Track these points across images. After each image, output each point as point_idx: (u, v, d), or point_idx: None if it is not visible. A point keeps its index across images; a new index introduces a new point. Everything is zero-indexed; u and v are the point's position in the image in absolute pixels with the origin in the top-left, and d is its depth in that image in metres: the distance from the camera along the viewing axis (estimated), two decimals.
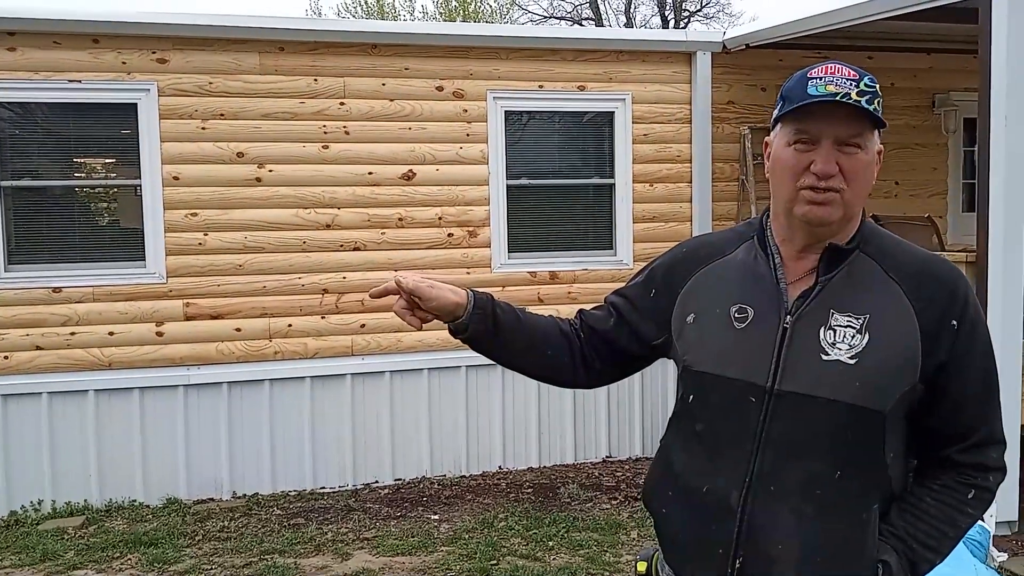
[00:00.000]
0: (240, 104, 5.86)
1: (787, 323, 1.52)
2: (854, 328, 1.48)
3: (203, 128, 5.81)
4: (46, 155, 5.82)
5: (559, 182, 6.55)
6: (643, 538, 4.88)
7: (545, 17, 23.36)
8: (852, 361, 1.47)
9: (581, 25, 22.92)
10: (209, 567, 4.64)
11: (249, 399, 5.92)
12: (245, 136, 5.87)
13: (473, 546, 4.80)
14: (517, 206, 6.38)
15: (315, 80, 5.99)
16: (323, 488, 6.04)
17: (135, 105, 5.73)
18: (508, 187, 6.33)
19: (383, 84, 6.11)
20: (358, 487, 6.05)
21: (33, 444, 5.60)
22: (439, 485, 6.02)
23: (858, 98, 1.46)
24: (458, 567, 4.54)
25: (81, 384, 5.65)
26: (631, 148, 6.47)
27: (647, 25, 23.77)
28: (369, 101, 6.08)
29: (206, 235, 5.83)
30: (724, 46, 6.61)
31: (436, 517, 5.37)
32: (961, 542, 3.79)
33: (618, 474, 6.15)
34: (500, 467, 6.36)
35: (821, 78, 1.50)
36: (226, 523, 5.32)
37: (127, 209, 5.97)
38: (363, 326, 6.10)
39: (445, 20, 21.90)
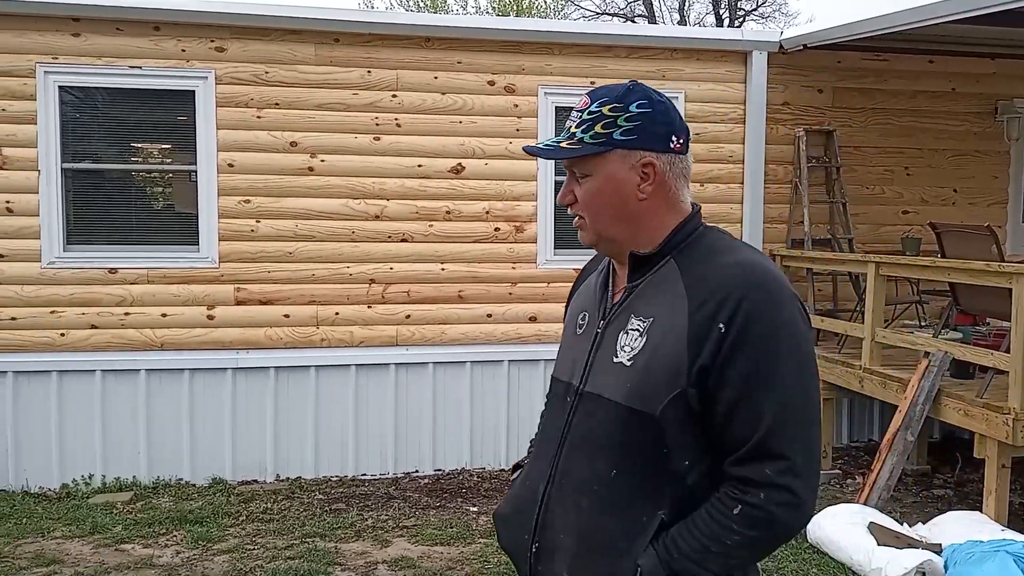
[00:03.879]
0: (295, 94, 5.94)
1: (599, 327, 1.59)
2: (638, 331, 1.50)
3: (258, 117, 5.90)
4: (105, 139, 5.96)
5: None
6: None
7: (598, 13, 23.25)
8: (629, 363, 1.49)
9: (634, 22, 22.76)
10: (252, 547, 4.73)
11: (295, 385, 6.01)
12: (299, 126, 5.95)
13: None
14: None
15: (368, 72, 6.05)
16: (364, 475, 6.11)
17: (193, 92, 5.85)
18: (556, 183, 6.32)
19: (435, 77, 6.14)
20: (399, 476, 6.11)
21: (86, 420, 5.76)
22: (478, 478, 6.05)
23: (575, 130, 1.53)
24: (495, 559, 4.55)
25: (133, 363, 5.79)
26: None
27: (701, 23, 23.50)
28: (421, 94, 6.12)
29: (258, 222, 5.93)
30: (781, 46, 6.52)
31: (475, 509, 5.40)
32: (1011, 557, 3.69)
33: None
34: None
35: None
36: (269, 505, 5.41)
37: (182, 194, 6.10)
38: (408, 317, 6.15)
39: (499, 15, 21.89)
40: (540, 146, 1.58)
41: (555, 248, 6.33)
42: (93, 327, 5.76)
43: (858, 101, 6.94)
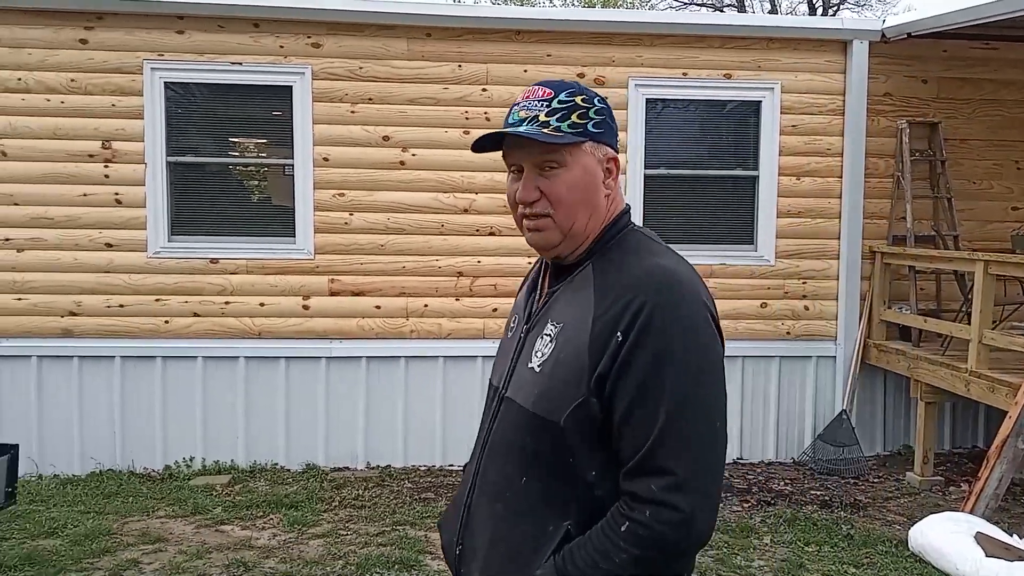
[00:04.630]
0: (387, 89, 6.02)
1: (523, 332, 1.58)
2: (550, 337, 1.48)
3: (352, 111, 6.01)
4: (206, 133, 6.16)
5: (699, 172, 6.40)
6: (776, 544, 4.73)
7: (685, 3, 22.84)
8: (539, 370, 1.48)
9: (722, 11, 22.29)
10: (345, 533, 4.83)
11: (386, 374, 6.11)
12: (391, 120, 6.03)
13: None
14: (654, 196, 6.28)
15: (459, 66, 6.08)
16: (452, 465, 6.17)
17: (290, 88, 5.99)
18: (645, 176, 6.24)
19: (524, 70, 6.13)
20: None
21: (188, 405, 5.98)
22: None
23: (547, 118, 1.46)
24: None
25: (233, 351, 5.99)
26: (778, 139, 6.25)
27: (793, 13, 22.84)
28: (510, 87, 6.12)
29: (352, 215, 6.04)
30: (883, 35, 6.27)
31: None
32: None
33: (749, 477, 5.98)
34: None
35: (519, 104, 1.52)
36: (360, 492, 5.52)
37: (279, 187, 6.26)
38: (495, 310, 6.18)
39: (585, 7, 21.76)
40: (522, 130, 1.46)
41: None
42: (195, 315, 5.97)
43: (965, 92, 6.62)
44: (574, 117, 1.47)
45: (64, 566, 4.35)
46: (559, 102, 1.48)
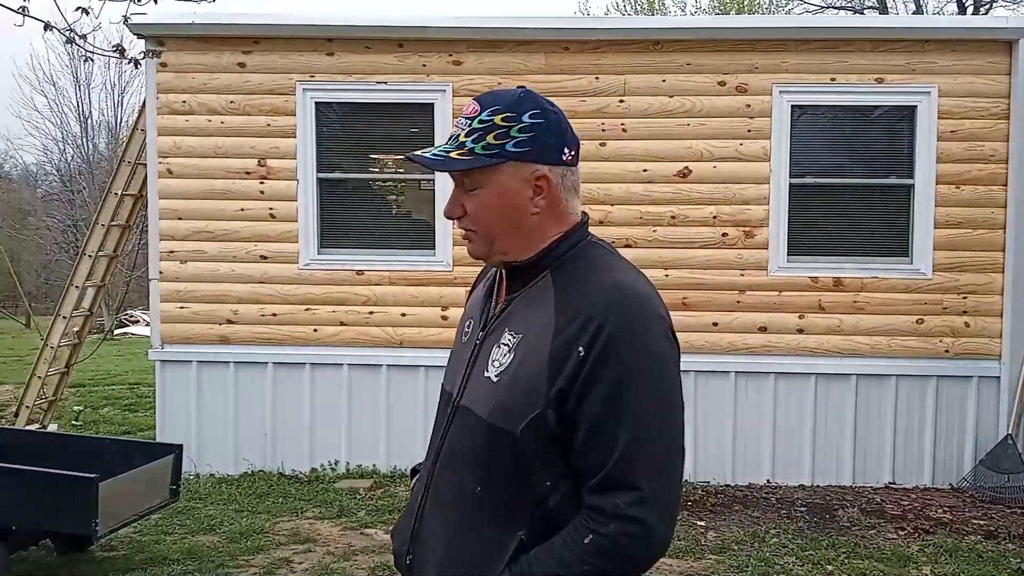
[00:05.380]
0: None
1: (479, 338, 1.55)
2: (508, 347, 1.48)
3: None
4: (352, 150, 6.40)
5: (849, 181, 6.12)
6: None
7: (822, 8, 21.98)
8: (496, 380, 1.47)
9: (862, 14, 21.31)
10: None
11: None
12: None
13: (743, 558, 4.63)
14: (800, 206, 6.06)
15: (596, 78, 6.07)
16: None
17: (432, 105, 6.14)
18: (791, 186, 6.03)
19: (663, 80, 6.06)
20: None
21: (333, 410, 6.22)
22: (703, 492, 5.88)
23: (465, 139, 1.46)
24: None
25: (376, 359, 6.19)
26: (935, 146, 5.90)
27: (940, 13, 21.59)
28: (648, 98, 6.06)
29: None
30: None
31: (702, 524, 5.25)
32: None
33: (903, 503, 5.64)
34: (768, 481, 6.07)
35: (456, 119, 1.53)
36: None
37: (418, 201, 6.43)
38: None
39: (718, 14, 21.32)
40: (427, 155, 1.49)
41: (788, 255, 6.03)
42: (342, 324, 6.21)
43: None
44: (489, 138, 1.46)
45: (222, 561, 4.58)
46: (479, 122, 1.47)
